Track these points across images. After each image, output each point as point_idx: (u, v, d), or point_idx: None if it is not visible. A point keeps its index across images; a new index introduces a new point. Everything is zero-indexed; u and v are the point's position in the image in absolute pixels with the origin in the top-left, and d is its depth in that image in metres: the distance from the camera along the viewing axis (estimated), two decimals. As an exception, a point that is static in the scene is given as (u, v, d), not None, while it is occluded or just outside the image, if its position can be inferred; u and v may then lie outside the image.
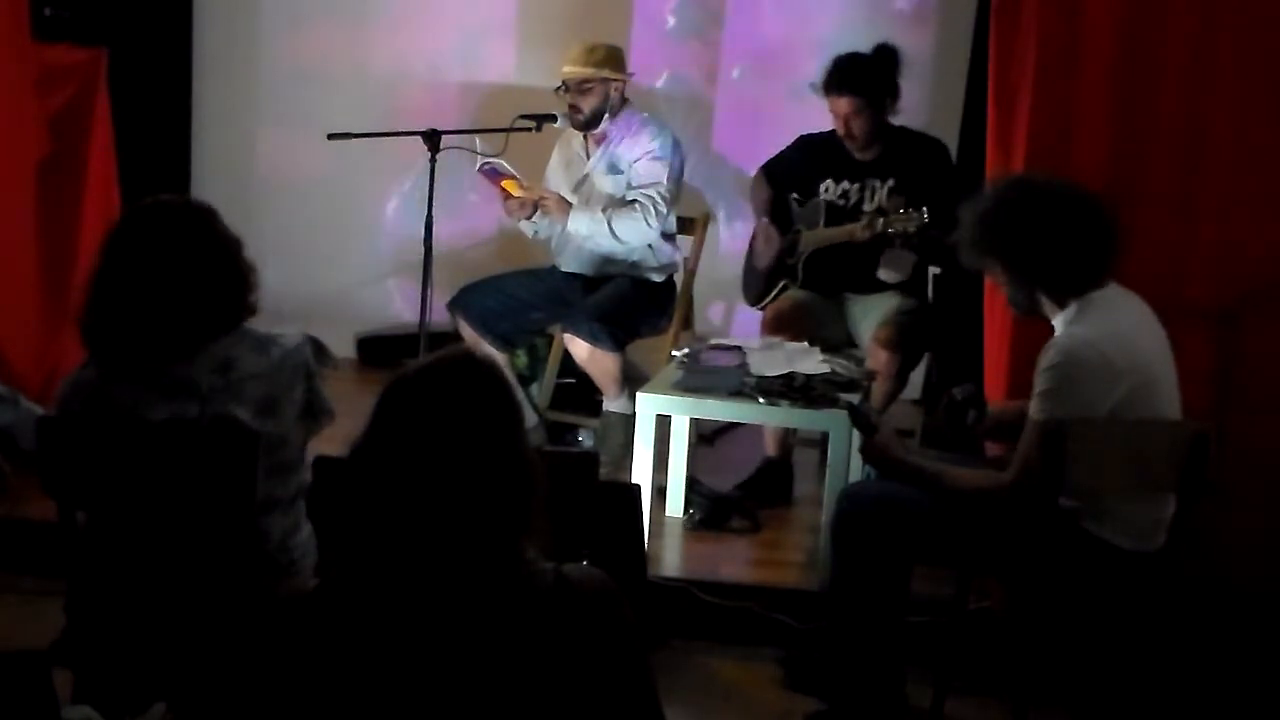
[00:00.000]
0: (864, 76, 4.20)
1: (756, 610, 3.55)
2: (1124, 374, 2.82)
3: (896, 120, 4.34)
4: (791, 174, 4.47)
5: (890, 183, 4.25)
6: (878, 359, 4.13)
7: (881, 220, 4.04)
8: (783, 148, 4.65)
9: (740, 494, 4.22)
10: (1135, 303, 2.98)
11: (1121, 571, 2.90)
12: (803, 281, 4.39)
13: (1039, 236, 2.89)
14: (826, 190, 4.35)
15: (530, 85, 5.01)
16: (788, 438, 4.36)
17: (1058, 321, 2.95)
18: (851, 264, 4.27)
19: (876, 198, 4.26)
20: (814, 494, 4.24)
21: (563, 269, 4.66)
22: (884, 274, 4.28)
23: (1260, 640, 3.40)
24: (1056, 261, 2.89)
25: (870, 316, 4.29)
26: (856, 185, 4.30)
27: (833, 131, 4.35)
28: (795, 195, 4.43)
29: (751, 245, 4.61)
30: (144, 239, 2.45)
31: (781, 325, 4.23)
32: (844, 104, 4.20)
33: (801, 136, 4.57)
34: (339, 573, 1.77)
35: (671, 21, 5.58)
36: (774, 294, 4.45)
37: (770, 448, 4.35)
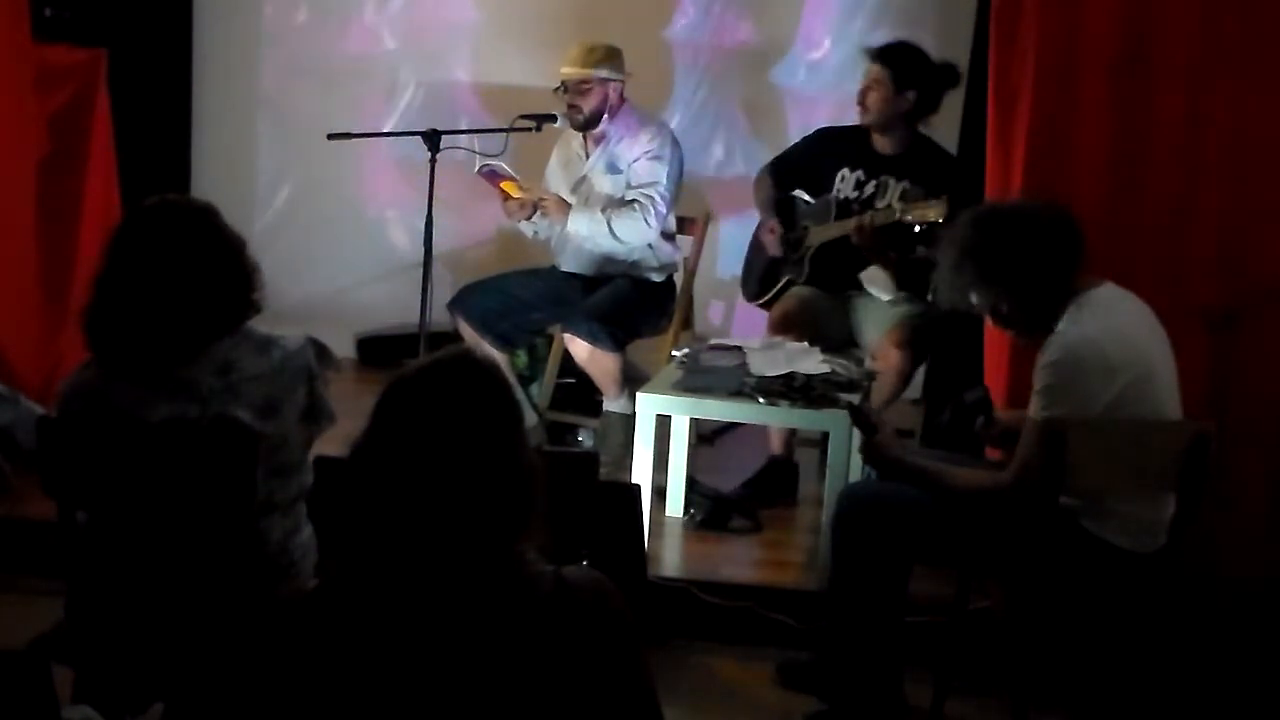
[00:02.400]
0: (900, 56, 4.20)
1: (756, 610, 3.55)
2: (1121, 369, 2.83)
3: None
4: (805, 166, 4.45)
5: (905, 183, 4.23)
6: (889, 357, 4.10)
7: (900, 208, 4.03)
8: (784, 147, 4.65)
9: (746, 492, 4.22)
10: (1133, 301, 2.98)
11: (1121, 571, 2.90)
12: (808, 277, 4.38)
13: (1027, 243, 2.89)
14: (843, 179, 4.32)
15: (530, 85, 5.01)
16: (792, 436, 4.36)
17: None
18: (859, 261, 4.26)
19: (889, 194, 4.24)
20: (814, 494, 4.24)
21: (563, 269, 4.66)
22: (869, 288, 4.31)
23: (1260, 640, 3.40)
24: (1048, 261, 2.90)
25: (875, 317, 4.28)
26: (873, 179, 4.27)
27: (855, 126, 4.34)
28: (803, 194, 4.42)
29: (753, 241, 4.60)
30: (149, 238, 2.45)
31: (789, 324, 4.22)
32: (870, 71, 4.20)
33: (821, 128, 4.56)
34: (338, 574, 1.77)
35: (672, 22, 5.58)
36: (777, 289, 4.44)
37: (775, 446, 4.35)
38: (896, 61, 4.19)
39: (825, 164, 4.39)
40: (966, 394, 3.20)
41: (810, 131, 4.65)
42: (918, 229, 4.00)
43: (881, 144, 4.29)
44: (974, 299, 3.00)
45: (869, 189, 4.28)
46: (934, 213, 3.91)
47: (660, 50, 5.53)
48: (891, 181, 4.25)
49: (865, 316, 4.34)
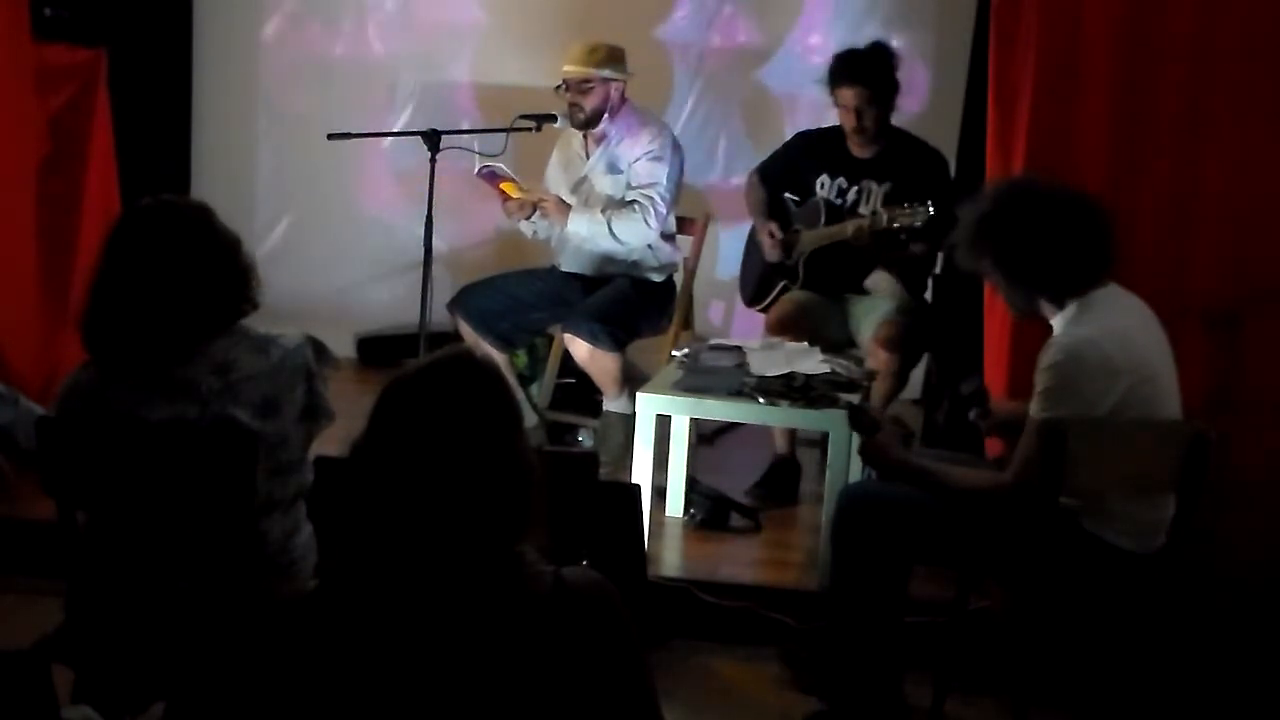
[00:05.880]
0: (871, 68, 4.21)
1: (756, 610, 3.55)
2: (1123, 372, 2.82)
3: (898, 119, 4.35)
4: (788, 171, 4.47)
5: (887, 186, 4.25)
6: (877, 358, 4.13)
7: (886, 215, 4.05)
8: (777, 148, 4.65)
9: (759, 492, 4.27)
10: (1135, 303, 2.98)
11: (1121, 571, 2.90)
12: (803, 282, 4.39)
13: (1037, 239, 2.88)
14: (823, 187, 4.35)
15: (530, 85, 5.01)
16: (793, 436, 4.37)
17: (1057, 321, 2.95)
18: (852, 264, 4.27)
19: (872, 199, 4.26)
20: (814, 494, 4.24)
21: (563, 269, 4.66)
22: (875, 293, 4.34)
23: (1260, 641, 3.39)
24: (1055, 263, 2.89)
25: (870, 316, 4.29)
26: (854, 186, 4.30)
27: (833, 128, 4.36)
28: (791, 196, 4.43)
29: (749, 245, 4.61)
30: (143, 239, 2.45)
31: (784, 327, 4.24)
32: (854, 95, 4.19)
33: (800, 133, 4.57)
34: (338, 574, 1.77)
35: (672, 22, 5.58)
36: (774, 295, 4.45)
37: (780, 446, 4.36)
38: (869, 74, 4.20)
39: (805, 169, 4.41)
40: (962, 385, 3.21)
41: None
42: (904, 236, 4.06)
43: (859, 148, 4.30)
44: (980, 266, 3.00)
45: (851, 195, 4.30)
46: (919, 218, 3.99)
47: (659, 50, 5.53)
48: (874, 186, 4.27)
49: (862, 317, 4.35)
